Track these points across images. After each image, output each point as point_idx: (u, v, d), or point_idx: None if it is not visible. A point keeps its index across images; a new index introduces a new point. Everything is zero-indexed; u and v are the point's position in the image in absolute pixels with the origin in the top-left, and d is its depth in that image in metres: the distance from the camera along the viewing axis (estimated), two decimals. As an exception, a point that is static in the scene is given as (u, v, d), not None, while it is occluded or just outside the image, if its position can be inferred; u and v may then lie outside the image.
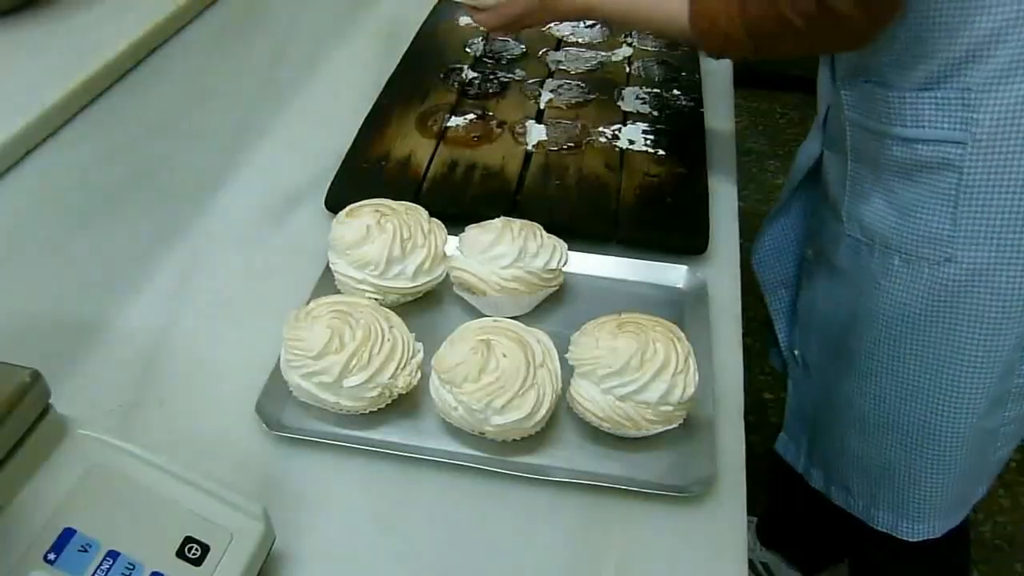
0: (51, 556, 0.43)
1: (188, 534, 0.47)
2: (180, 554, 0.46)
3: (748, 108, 2.75)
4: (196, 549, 0.46)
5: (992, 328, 0.79)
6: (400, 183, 0.82)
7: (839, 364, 0.91)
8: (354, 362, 0.59)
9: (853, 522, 0.99)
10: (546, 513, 0.58)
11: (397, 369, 0.60)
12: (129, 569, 0.44)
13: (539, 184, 0.83)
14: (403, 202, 0.72)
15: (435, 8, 1.17)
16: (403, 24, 1.13)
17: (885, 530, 0.95)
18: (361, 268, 0.68)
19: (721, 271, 0.78)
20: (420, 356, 0.62)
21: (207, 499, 0.48)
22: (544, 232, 0.71)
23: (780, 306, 1.00)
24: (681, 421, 0.61)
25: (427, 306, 0.72)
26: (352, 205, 0.71)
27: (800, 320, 0.96)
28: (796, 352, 0.99)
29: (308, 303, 0.64)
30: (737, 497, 0.60)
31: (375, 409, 0.61)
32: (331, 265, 0.71)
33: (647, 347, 0.59)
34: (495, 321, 0.63)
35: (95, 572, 0.43)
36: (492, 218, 0.74)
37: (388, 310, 0.64)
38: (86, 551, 0.44)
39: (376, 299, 0.67)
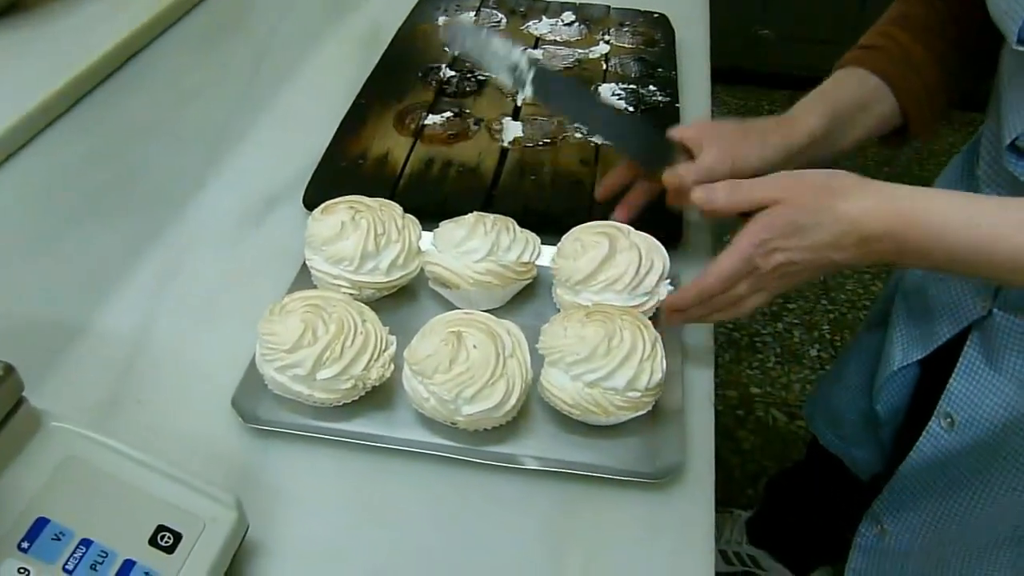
0: (24, 544, 0.44)
1: (161, 523, 0.48)
2: (153, 542, 0.47)
3: (735, 105, 2.77)
4: (169, 537, 0.47)
5: None
6: (377, 181, 0.83)
7: (981, 506, 0.78)
8: (327, 355, 0.60)
9: (845, 528, 0.94)
10: (518, 500, 0.59)
11: (370, 361, 0.61)
12: (102, 557, 0.45)
13: (515, 180, 0.84)
14: (378, 199, 0.73)
15: (414, 10, 1.18)
16: (382, 26, 1.15)
17: None
18: (336, 263, 0.69)
19: (695, 262, 0.79)
20: (393, 349, 0.63)
21: (180, 489, 0.49)
22: (517, 226, 0.72)
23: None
24: (650, 408, 0.63)
25: (402, 300, 0.74)
26: (327, 202, 0.72)
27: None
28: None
29: (284, 298, 0.65)
30: (706, 484, 0.61)
31: (349, 401, 0.63)
32: (307, 261, 0.72)
33: (614, 334, 0.61)
34: (466, 313, 0.65)
35: (68, 559, 0.44)
36: (468, 214, 0.75)
37: (362, 304, 0.65)
38: (59, 539, 0.45)
39: (352, 294, 0.69)
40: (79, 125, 0.95)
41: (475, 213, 0.72)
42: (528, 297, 0.74)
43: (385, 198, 0.79)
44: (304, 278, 0.73)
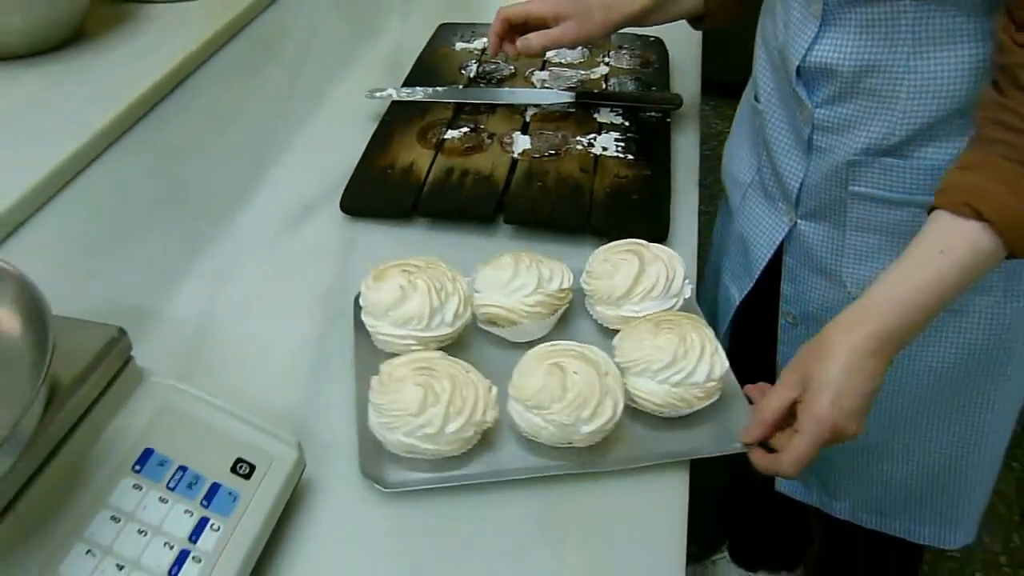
0: (137, 467, 0.56)
1: (239, 456, 0.59)
2: (233, 470, 0.58)
3: (732, 116, 2.87)
4: (245, 467, 0.59)
5: None
6: (404, 188, 0.95)
7: None
8: (452, 409, 0.65)
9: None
10: (617, 498, 0.68)
11: (485, 407, 0.67)
12: (195, 479, 0.57)
13: (523, 186, 0.96)
14: (420, 257, 0.78)
15: (434, 35, 1.30)
16: (404, 51, 1.27)
17: (928, 544, 1.00)
18: (404, 325, 0.73)
19: (680, 256, 0.90)
20: (495, 390, 0.69)
21: (252, 430, 0.61)
22: (545, 258, 0.79)
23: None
24: (719, 395, 0.72)
25: (455, 345, 0.77)
26: (376, 270, 0.77)
27: None
28: None
29: (382, 369, 0.70)
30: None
31: (469, 448, 0.68)
32: (369, 328, 0.75)
33: (684, 338, 0.70)
34: (553, 345, 0.71)
35: (171, 480, 0.56)
36: (483, 216, 0.86)
37: (456, 357, 0.70)
38: (163, 465, 0.56)
39: (418, 350, 0.73)
40: (138, 144, 1.07)
41: (507, 254, 0.78)
42: (562, 319, 0.80)
43: (410, 204, 0.91)
44: (364, 344, 0.77)
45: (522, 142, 1.03)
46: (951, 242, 0.65)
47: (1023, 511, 1.69)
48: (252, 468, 0.59)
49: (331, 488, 0.67)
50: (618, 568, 0.63)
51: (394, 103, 1.12)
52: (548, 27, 0.99)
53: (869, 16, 0.73)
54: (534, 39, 0.98)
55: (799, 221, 0.89)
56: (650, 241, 0.87)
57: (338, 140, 1.08)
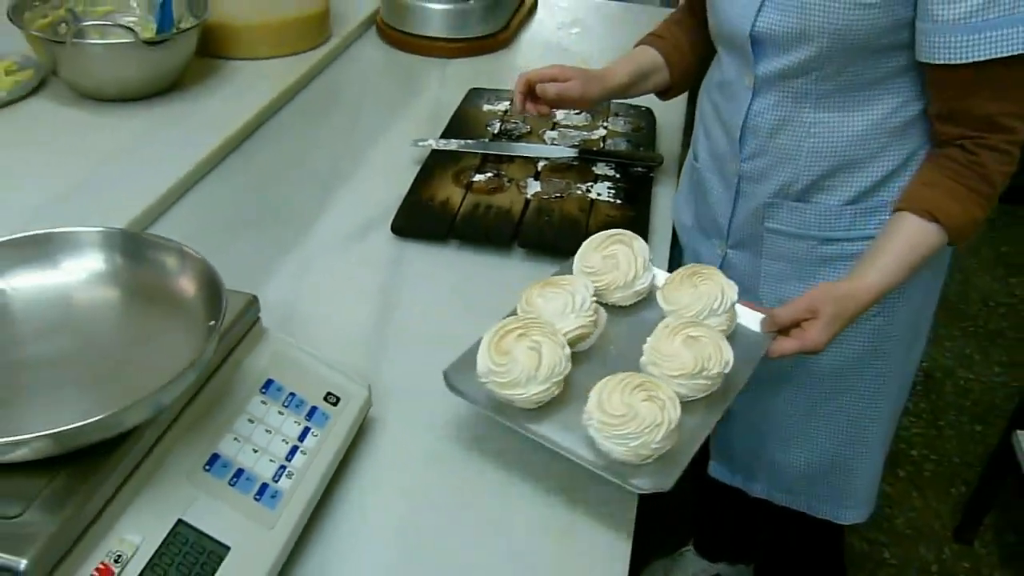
0: (263, 390, 0.81)
1: (329, 390, 0.85)
2: (325, 399, 0.84)
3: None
4: (334, 398, 0.85)
5: (909, 346, 1.12)
6: (441, 216, 1.22)
7: (764, 407, 1.15)
8: (672, 404, 0.77)
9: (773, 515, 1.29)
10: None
11: (670, 391, 0.79)
12: (301, 402, 0.82)
13: (534, 220, 1.23)
14: (510, 319, 0.86)
15: (465, 97, 1.59)
16: (441, 109, 1.55)
17: (826, 518, 1.22)
18: (549, 378, 0.81)
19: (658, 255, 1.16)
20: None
21: (339, 374, 0.86)
22: (557, 277, 0.94)
23: None
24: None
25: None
26: (493, 345, 0.83)
27: None
28: None
29: (594, 414, 0.78)
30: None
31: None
32: (518, 398, 0.82)
33: (712, 279, 0.92)
34: (664, 325, 0.86)
35: (285, 400, 0.81)
36: (502, 241, 1.13)
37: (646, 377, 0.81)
38: (280, 391, 0.82)
39: (555, 393, 0.83)
40: (231, 171, 1.35)
41: (545, 284, 0.91)
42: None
43: (446, 229, 1.18)
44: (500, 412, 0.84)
45: (534, 186, 1.30)
46: (918, 240, 0.93)
47: (955, 529, 1.92)
48: (338, 399, 0.85)
49: (384, 421, 0.93)
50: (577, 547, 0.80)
51: (434, 151, 1.39)
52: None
53: (785, 88, 1.00)
54: (549, 87, 1.19)
55: (729, 251, 1.16)
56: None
57: (389, 177, 1.35)
